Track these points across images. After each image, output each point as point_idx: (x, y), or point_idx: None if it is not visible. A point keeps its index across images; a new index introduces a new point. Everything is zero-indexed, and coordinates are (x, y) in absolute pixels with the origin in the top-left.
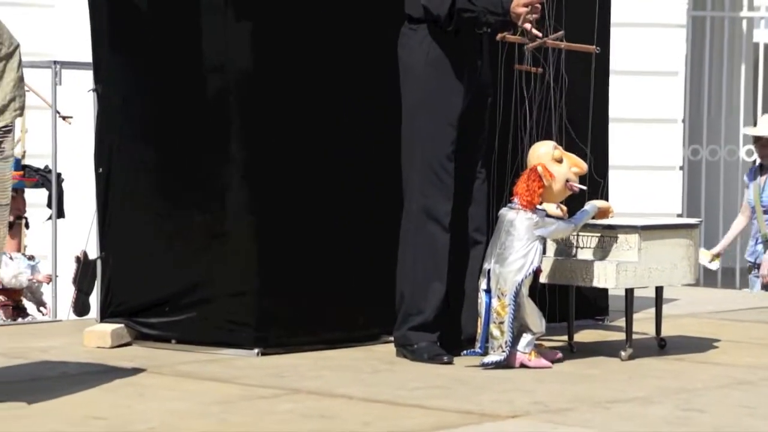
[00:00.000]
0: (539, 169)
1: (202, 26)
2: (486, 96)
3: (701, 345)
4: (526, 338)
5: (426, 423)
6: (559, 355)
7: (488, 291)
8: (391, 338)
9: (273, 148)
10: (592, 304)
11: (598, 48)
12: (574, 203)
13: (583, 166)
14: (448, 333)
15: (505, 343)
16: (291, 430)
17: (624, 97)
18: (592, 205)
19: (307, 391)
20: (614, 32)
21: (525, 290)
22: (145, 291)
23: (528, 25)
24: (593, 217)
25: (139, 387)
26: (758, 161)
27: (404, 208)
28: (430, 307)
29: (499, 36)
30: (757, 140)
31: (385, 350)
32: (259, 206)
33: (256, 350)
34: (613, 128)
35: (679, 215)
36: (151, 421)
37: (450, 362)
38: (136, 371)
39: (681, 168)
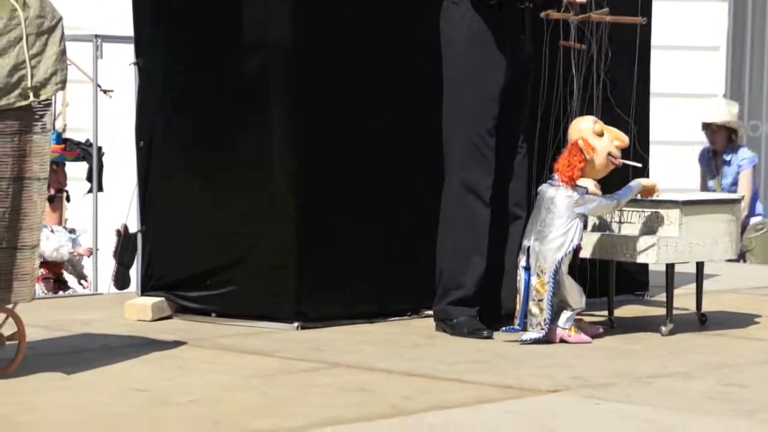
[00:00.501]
0: (580, 142)
1: (242, 0)
2: (528, 71)
3: (742, 320)
4: (566, 314)
5: (466, 397)
6: (600, 330)
7: (527, 268)
8: (431, 312)
9: (314, 122)
10: (633, 280)
11: (644, 19)
12: (616, 180)
13: (624, 139)
14: (488, 308)
15: (544, 320)
16: (331, 403)
17: (665, 72)
18: (637, 182)
19: (346, 364)
20: (656, 7)
21: (565, 268)
22: (185, 264)
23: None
24: (639, 195)
25: (180, 360)
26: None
27: (445, 183)
28: (470, 282)
29: (543, 14)
30: (707, 126)
31: (425, 324)
32: (299, 181)
33: (295, 324)
34: (654, 103)
35: None
36: (192, 394)
37: (490, 337)
38: (176, 344)
39: None
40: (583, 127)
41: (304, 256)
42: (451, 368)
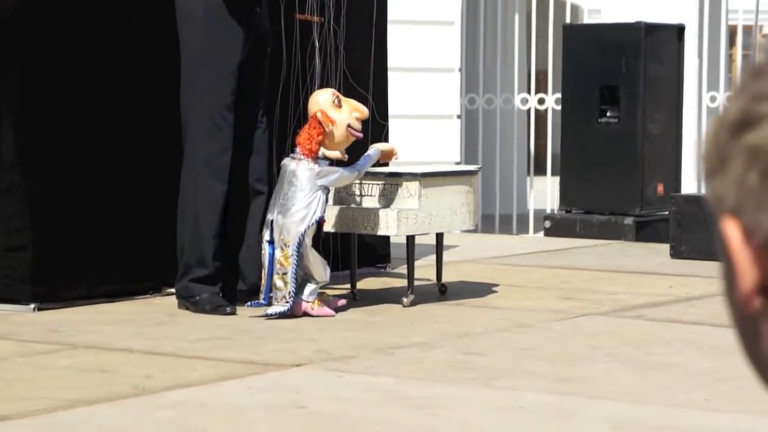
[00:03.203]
0: (319, 115)
1: None
2: (266, 44)
3: (481, 290)
4: (309, 287)
5: (209, 374)
6: (343, 302)
7: (271, 242)
8: (173, 290)
9: (46, 101)
10: (375, 252)
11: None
12: (357, 148)
13: (364, 111)
14: (230, 284)
15: (289, 293)
16: (70, 385)
17: (402, 46)
18: (375, 149)
19: (85, 345)
20: None
21: (308, 241)
22: None
23: None
24: (378, 160)
25: None
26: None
27: (184, 159)
28: (211, 259)
29: None
30: None
31: (167, 302)
32: (33, 160)
33: (32, 305)
34: (392, 78)
35: (458, 163)
36: None
37: (233, 313)
38: None
39: (459, 116)
40: (322, 100)
41: (40, 236)
42: (193, 346)
